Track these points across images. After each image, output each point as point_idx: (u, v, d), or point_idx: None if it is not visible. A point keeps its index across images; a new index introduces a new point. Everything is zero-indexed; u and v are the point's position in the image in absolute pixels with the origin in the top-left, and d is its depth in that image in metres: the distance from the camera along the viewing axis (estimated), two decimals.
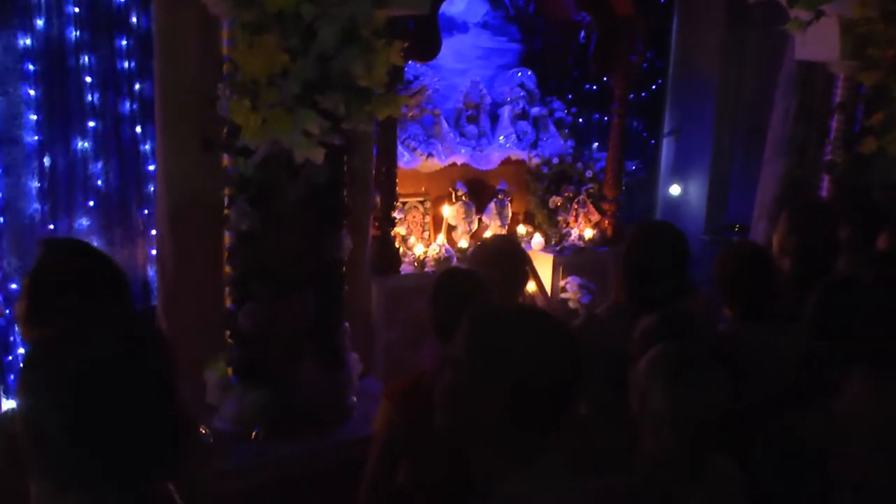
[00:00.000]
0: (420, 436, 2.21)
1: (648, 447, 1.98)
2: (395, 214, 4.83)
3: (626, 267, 2.92)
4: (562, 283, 5.37)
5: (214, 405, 3.31)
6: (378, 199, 4.39)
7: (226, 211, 3.14)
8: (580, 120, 5.95)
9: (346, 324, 3.45)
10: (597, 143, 5.89)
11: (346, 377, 3.40)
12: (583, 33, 5.39)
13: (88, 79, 4.37)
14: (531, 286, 3.63)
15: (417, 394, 2.29)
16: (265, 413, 3.18)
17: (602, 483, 1.89)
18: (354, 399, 3.46)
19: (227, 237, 3.22)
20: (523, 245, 5.35)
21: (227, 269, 3.23)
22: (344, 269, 3.37)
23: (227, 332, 3.26)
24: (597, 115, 6.04)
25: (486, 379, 1.50)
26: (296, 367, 3.24)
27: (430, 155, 5.08)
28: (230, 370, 3.30)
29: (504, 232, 5.38)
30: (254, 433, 3.16)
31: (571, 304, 5.32)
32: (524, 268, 3.27)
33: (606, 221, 5.56)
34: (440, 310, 2.49)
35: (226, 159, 3.16)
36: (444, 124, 5.16)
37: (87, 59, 4.35)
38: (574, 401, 1.60)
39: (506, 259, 3.14)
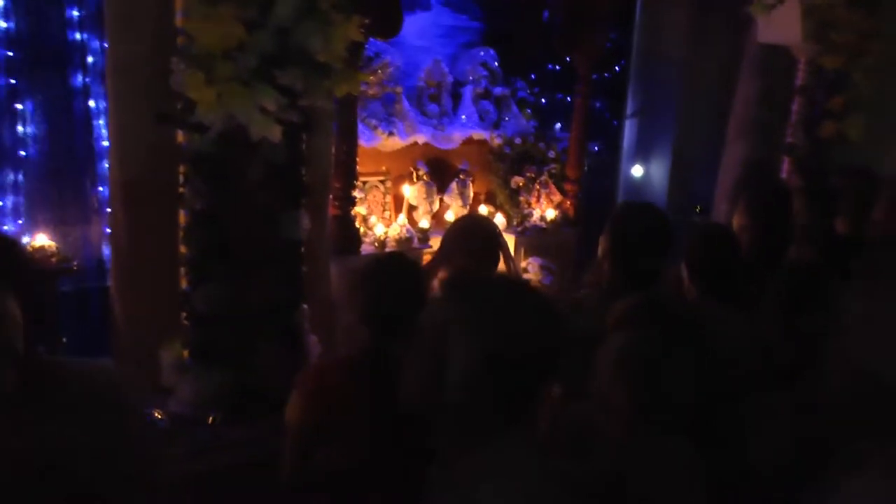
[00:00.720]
0: (337, 424, 2.20)
1: (609, 431, 1.95)
2: (356, 194, 4.77)
3: (611, 249, 2.85)
4: (524, 263, 5.33)
5: (170, 387, 3.22)
6: (336, 178, 4.31)
7: (181, 189, 3.05)
8: (543, 100, 5.93)
9: (305, 305, 3.37)
10: (560, 124, 5.88)
11: (305, 359, 3.33)
12: (546, 12, 5.36)
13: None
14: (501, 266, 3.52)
15: (332, 382, 2.26)
16: (222, 396, 3.11)
17: (564, 464, 1.88)
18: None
19: (183, 216, 3.12)
20: None
21: (183, 248, 3.13)
22: (302, 249, 3.30)
23: (183, 314, 3.17)
24: (560, 96, 6.03)
25: (460, 348, 1.46)
26: (253, 349, 3.17)
27: (391, 133, 5.01)
28: (186, 352, 3.21)
29: (465, 212, 5.34)
30: (210, 417, 3.09)
31: (533, 285, 5.33)
32: (496, 247, 3.16)
33: (568, 202, 5.57)
34: (377, 297, 2.38)
35: (181, 135, 3.05)
36: (406, 103, 5.09)
37: (36, 30, 4.21)
38: (550, 377, 1.57)
39: (476, 239, 3.07)
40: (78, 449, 1.67)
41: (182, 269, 3.19)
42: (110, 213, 3.58)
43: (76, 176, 4.40)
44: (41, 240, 3.95)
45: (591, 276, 3.22)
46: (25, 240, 4.04)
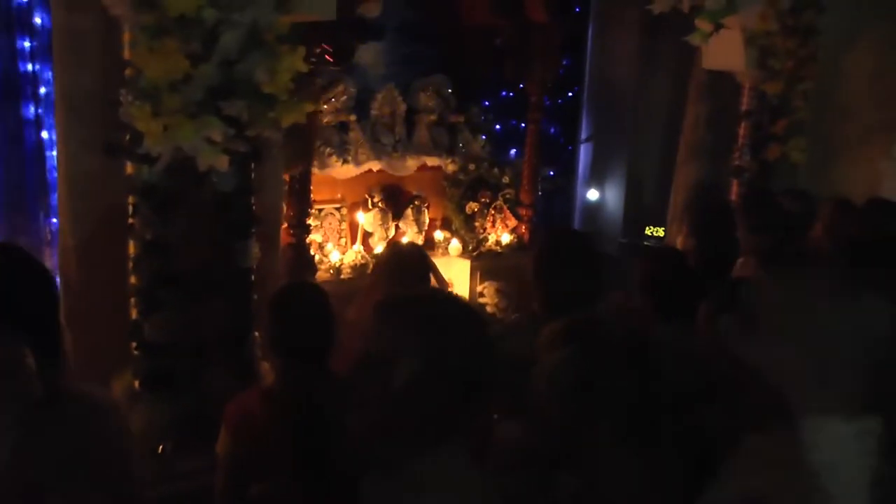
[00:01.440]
0: (260, 455, 2.25)
1: (541, 449, 2.00)
2: (311, 221, 4.80)
3: (536, 273, 2.92)
4: (479, 287, 5.43)
5: None
6: (290, 206, 4.33)
7: (130, 219, 3.06)
8: (497, 126, 6.00)
9: (256, 333, 3.38)
10: (515, 150, 5.95)
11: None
12: (499, 40, 5.41)
13: None
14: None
15: (253, 412, 2.32)
16: (173, 425, 3.11)
17: (502, 476, 1.93)
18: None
19: (132, 246, 3.13)
20: (440, 250, 5.43)
21: (133, 278, 3.14)
22: (252, 277, 3.31)
23: (134, 343, 3.17)
24: (514, 122, 6.11)
25: (396, 360, 1.49)
26: (204, 378, 3.16)
27: (345, 161, 5.06)
28: (137, 382, 3.20)
29: (420, 238, 5.40)
30: (160, 447, 3.08)
31: (489, 309, 5.39)
32: (426, 272, 3.25)
33: (523, 227, 5.64)
34: (282, 327, 2.44)
35: (130, 166, 3.07)
36: (360, 131, 5.14)
37: None
38: (483, 391, 1.60)
39: (405, 265, 3.14)
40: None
41: (132, 299, 3.18)
42: (60, 244, 3.57)
43: (29, 207, 4.37)
44: None
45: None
46: None
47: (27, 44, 4.31)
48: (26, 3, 4.25)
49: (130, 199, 3.08)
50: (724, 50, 4.83)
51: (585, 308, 2.75)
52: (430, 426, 1.53)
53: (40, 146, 4.32)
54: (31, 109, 4.35)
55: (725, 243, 3.63)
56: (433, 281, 3.24)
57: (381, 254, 3.49)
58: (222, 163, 2.92)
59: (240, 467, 2.29)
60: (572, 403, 1.90)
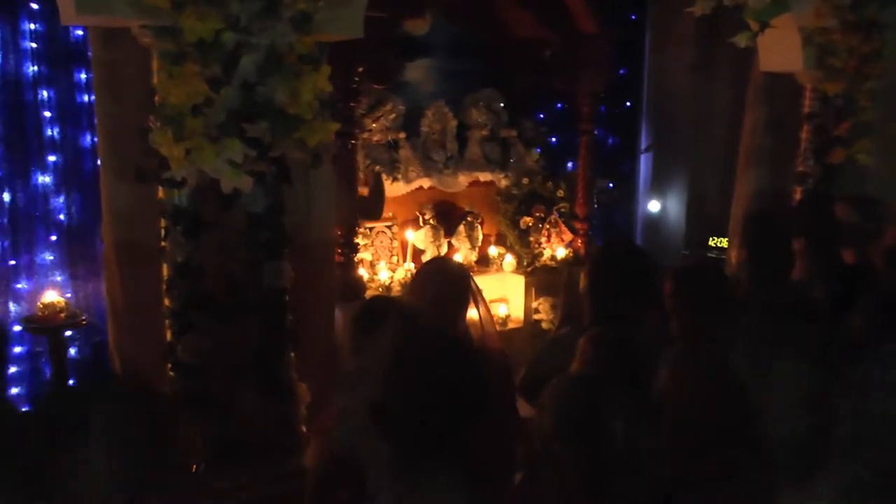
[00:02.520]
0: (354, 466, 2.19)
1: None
2: (361, 240, 4.85)
3: (586, 287, 2.88)
4: (535, 303, 5.34)
5: None
6: (339, 226, 4.36)
7: (162, 243, 3.12)
8: (552, 139, 5.90)
9: (292, 353, 3.39)
10: (572, 163, 5.81)
11: (293, 407, 3.35)
12: (548, 52, 5.31)
13: (48, 113, 4.42)
14: (473, 313, 3.23)
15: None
16: (207, 444, 3.14)
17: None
18: (304, 429, 3.39)
19: (166, 269, 3.19)
20: (495, 266, 5.37)
21: (166, 301, 3.19)
22: (286, 297, 3.32)
23: (168, 364, 3.22)
24: (568, 134, 5.96)
25: (388, 392, 1.64)
26: (238, 398, 3.19)
27: (395, 179, 5.05)
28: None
29: (474, 254, 5.36)
30: (194, 466, 3.12)
31: (545, 325, 5.29)
32: (464, 292, 3.02)
33: (579, 240, 5.52)
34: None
35: (161, 191, 3.13)
36: (410, 148, 5.13)
37: (45, 93, 4.39)
38: (470, 422, 1.69)
39: (442, 283, 2.96)
40: None
41: (167, 321, 3.24)
42: (105, 269, 3.68)
43: (86, 233, 4.54)
44: (50, 296, 4.06)
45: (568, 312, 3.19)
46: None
47: (83, 76, 4.50)
48: (83, 36, 4.43)
49: (162, 223, 3.14)
50: (780, 50, 4.62)
51: (633, 322, 2.70)
52: (413, 457, 1.68)
53: (95, 173, 4.48)
54: (88, 138, 4.53)
55: (777, 255, 3.46)
56: (472, 304, 3.04)
57: (419, 269, 3.24)
58: (245, 184, 2.94)
59: (327, 478, 2.27)
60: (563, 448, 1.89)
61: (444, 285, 2.92)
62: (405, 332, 1.85)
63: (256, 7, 2.82)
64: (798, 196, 4.92)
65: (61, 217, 4.53)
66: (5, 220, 4.34)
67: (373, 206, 4.99)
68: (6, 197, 4.34)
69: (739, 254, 3.54)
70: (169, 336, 3.23)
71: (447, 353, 1.74)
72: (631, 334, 2.55)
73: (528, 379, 2.95)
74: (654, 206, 6.77)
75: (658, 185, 6.77)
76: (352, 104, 4.50)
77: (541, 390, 2.08)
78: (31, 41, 4.34)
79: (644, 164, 6.82)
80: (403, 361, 1.71)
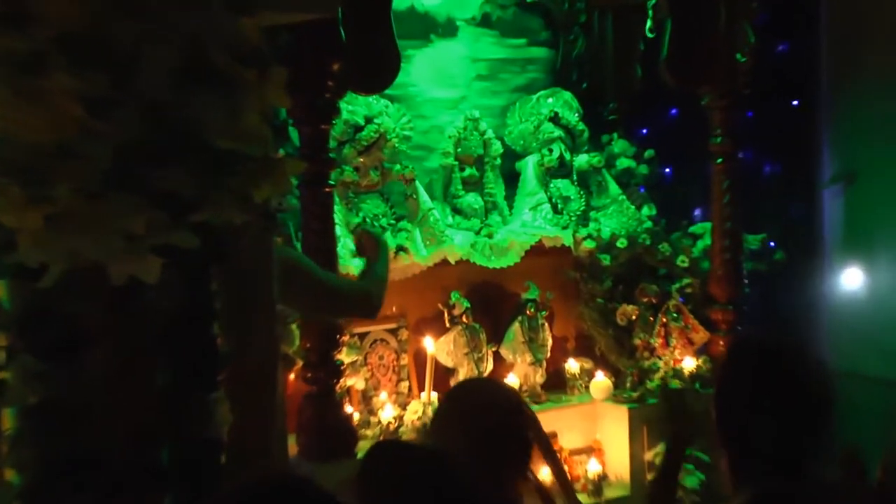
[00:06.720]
0: None
1: None
2: (343, 356, 3.49)
3: (716, 419, 2.21)
4: (648, 455, 3.87)
5: None
6: (307, 334, 3.35)
7: (1, 374, 2.19)
8: (667, 169, 4.37)
9: None
10: (698, 209, 4.35)
11: None
12: (650, 24, 3.81)
13: None
14: (544, 472, 2.61)
15: None
16: None
17: None
18: None
19: (7, 417, 2.30)
20: (576, 391, 4.11)
21: (7, 473, 2.31)
22: (221, 455, 2.39)
23: None
24: (692, 159, 4.23)
25: None
26: None
27: (400, 249, 3.70)
28: None
29: (539, 372, 4.00)
30: None
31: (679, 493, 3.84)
32: (518, 437, 2.28)
33: (721, 341, 3.99)
34: None
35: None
36: (424, 194, 3.84)
37: None
38: None
39: (476, 425, 2.20)
40: None
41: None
42: None
43: None
44: None
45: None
46: None
47: None
48: None
49: (2, 340, 2.23)
50: None
51: (795, 474, 2.05)
52: None
53: None
54: None
55: None
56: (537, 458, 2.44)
57: (443, 401, 2.54)
58: (150, 270, 2.08)
59: None
60: None
61: (488, 429, 2.25)
62: None
63: None
64: None
65: None
66: None
67: (365, 297, 3.56)
68: None
69: None
70: None
71: None
72: None
73: None
74: (851, 277, 4.60)
75: (859, 243, 4.59)
76: (323, 126, 3.28)
77: None
78: None
79: (831, 205, 4.66)
80: None
